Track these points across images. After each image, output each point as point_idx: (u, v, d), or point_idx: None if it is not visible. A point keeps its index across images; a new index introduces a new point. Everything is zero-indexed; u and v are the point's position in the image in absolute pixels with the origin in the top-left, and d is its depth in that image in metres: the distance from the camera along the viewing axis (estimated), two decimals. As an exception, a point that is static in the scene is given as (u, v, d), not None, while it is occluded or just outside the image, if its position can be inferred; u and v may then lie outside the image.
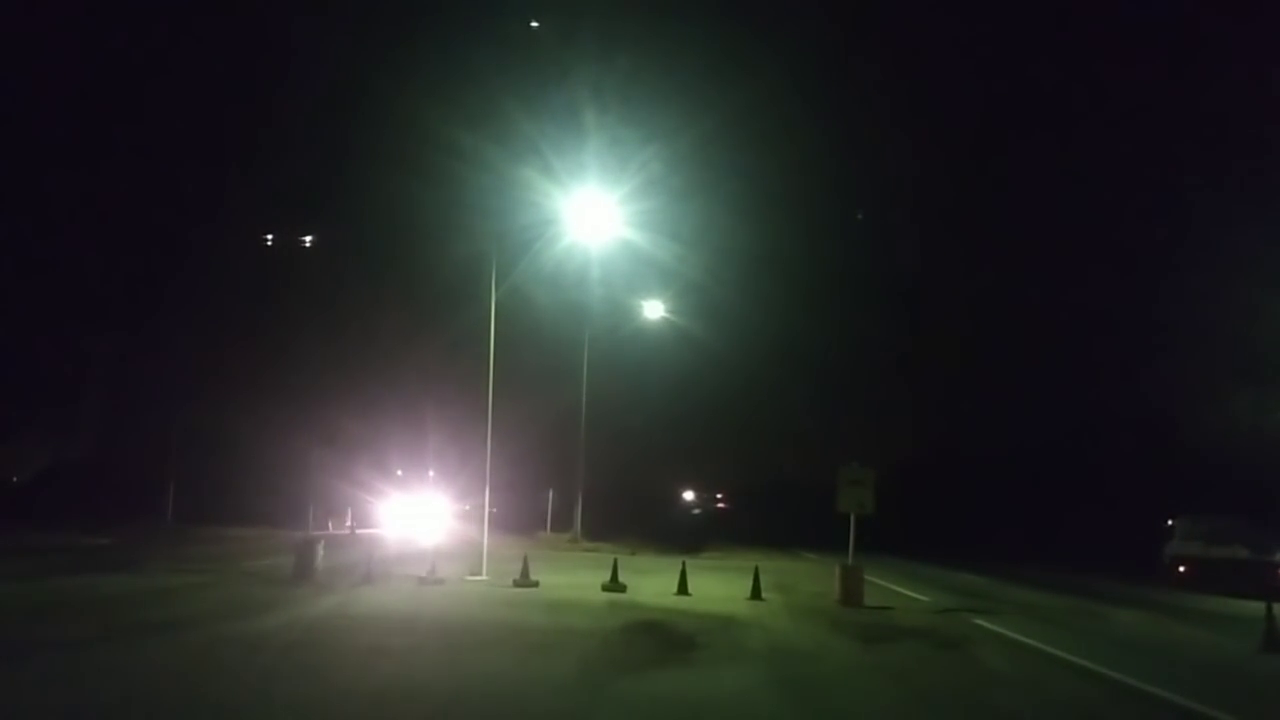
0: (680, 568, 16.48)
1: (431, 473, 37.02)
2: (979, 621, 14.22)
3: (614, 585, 15.79)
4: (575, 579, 17.26)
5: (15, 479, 35.29)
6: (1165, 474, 31.18)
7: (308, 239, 38.45)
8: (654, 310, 32.56)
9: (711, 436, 53.75)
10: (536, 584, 15.86)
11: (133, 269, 33.15)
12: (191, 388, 32.77)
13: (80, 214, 32.25)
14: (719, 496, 55.34)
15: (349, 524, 34.62)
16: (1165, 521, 25.87)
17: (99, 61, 33.34)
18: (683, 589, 15.56)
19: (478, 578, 16.51)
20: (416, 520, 33.04)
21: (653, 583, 16.89)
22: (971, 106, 49.83)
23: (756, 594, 15.65)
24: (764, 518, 45.02)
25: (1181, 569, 24.43)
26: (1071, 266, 43.14)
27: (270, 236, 37.64)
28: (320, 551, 16.14)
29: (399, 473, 37.64)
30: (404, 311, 37.45)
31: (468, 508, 46.33)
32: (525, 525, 33.13)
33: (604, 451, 35.50)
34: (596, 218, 19.39)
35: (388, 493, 34.70)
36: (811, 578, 20.25)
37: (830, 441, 44.15)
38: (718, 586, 17.07)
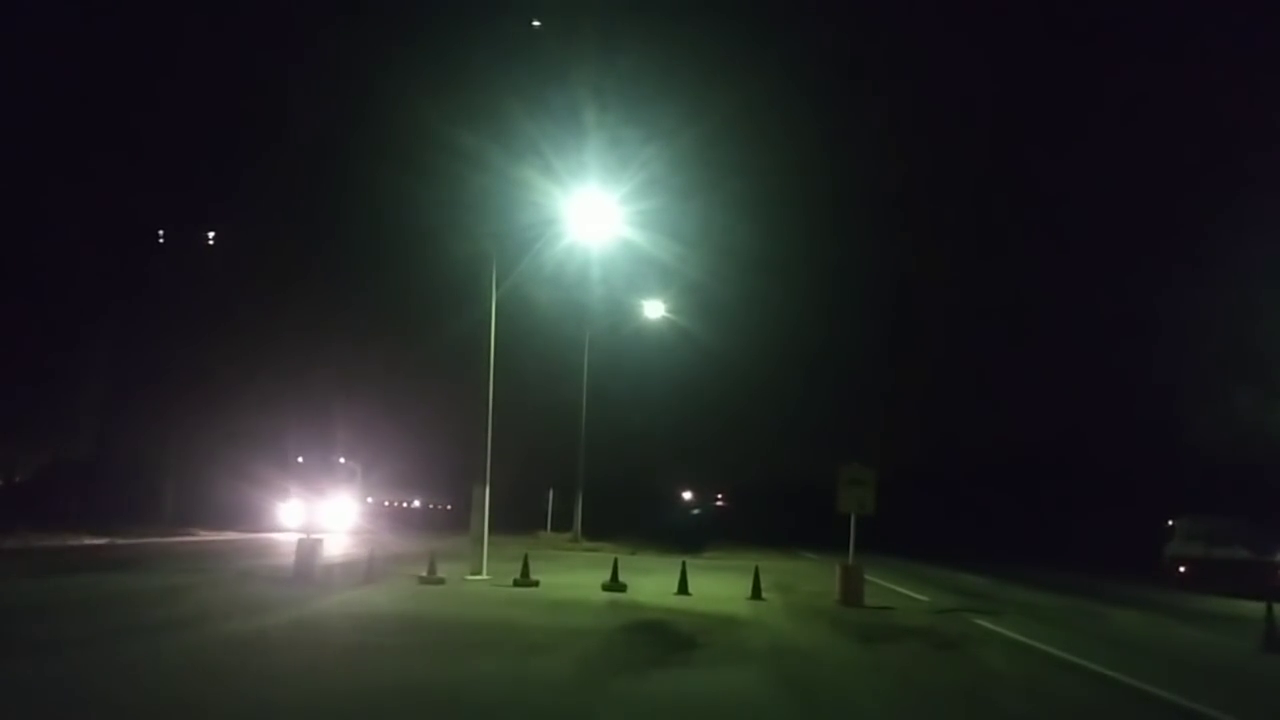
0: (680, 567, 16.48)
1: (342, 459, 32.80)
2: (979, 621, 14.22)
3: (614, 585, 15.79)
4: (575, 578, 17.27)
5: (16, 478, 35.25)
6: (1166, 474, 31.22)
7: (210, 235, 36.18)
8: (654, 310, 32.61)
9: (712, 436, 53.82)
10: (537, 583, 15.86)
11: (126, 267, 32.93)
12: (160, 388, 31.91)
13: (77, 209, 32.15)
14: (719, 496, 55.37)
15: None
16: (1166, 522, 25.89)
17: (95, 59, 33.24)
18: (683, 589, 15.56)
19: (478, 577, 16.51)
20: (320, 520, 29.05)
21: (653, 582, 16.89)
22: (972, 106, 49.84)
23: (757, 594, 15.65)
24: (764, 518, 45.08)
25: (1182, 569, 24.45)
26: (1073, 266, 43.19)
27: (161, 233, 34.86)
28: (321, 551, 16.17)
29: (299, 459, 32.58)
30: (401, 311, 37.31)
31: (415, 504, 43.38)
32: (525, 524, 33.04)
33: (604, 451, 35.52)
34: (597, 217, 19.40)
35: (287, 489, 30.48)
36: (811, 577, 20.24)
37: (830, 441, 44.19)
38: (718, 586, 17.07)
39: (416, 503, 44.70)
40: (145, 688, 7.41)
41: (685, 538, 32.06)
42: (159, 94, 34.49)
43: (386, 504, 39.18)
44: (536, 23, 23.75)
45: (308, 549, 15.84)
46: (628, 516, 37.18)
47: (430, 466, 42.01)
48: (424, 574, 15.81)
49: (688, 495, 51.49)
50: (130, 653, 8.81)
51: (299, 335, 34.15)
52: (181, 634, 9.94)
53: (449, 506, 45.27)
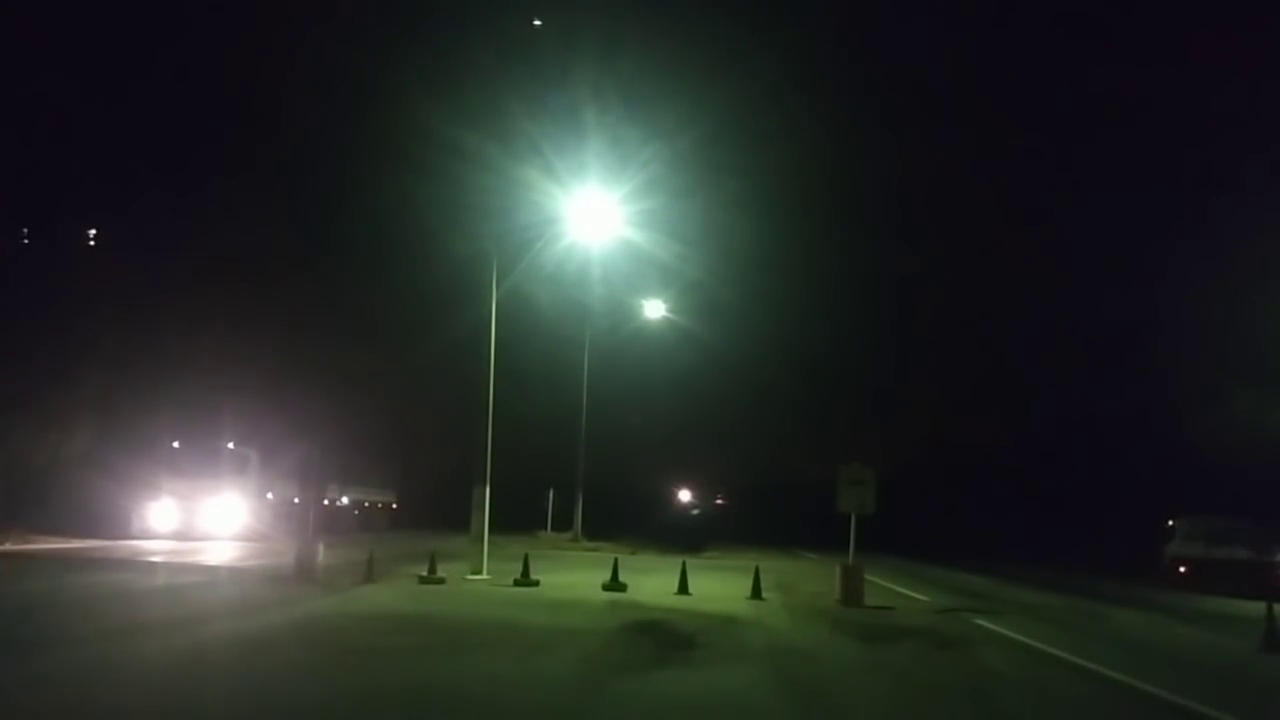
0: (680, 567, 16.49)
1: (230, 444, 27.35)
2: (979, 621, 14.23)
3: (614, 585, 15.79)
4: (576, 578, 17.28)
5: (14, 477, 35.12)
6: (1166, 474, 31.19)
7: (91, 233, 32.72)
8: (655, 310, 32.62)
9: (712, 436, 53.82)
10: (537, 583, 15.88)
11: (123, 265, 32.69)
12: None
13: (77, 206, 32.03)
14: (719, 496, 55.29)
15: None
16: (1166, 522, 25.88)
17: (92, 57, 33.20)
18: (683, 588, 15.57)
19: (478, 577, 16.53)
20: (200, 523, 25.52)
21: (653, 582, 16.90)
22: (973, 106, 49.80)
23: (757, 593, 15.66)
24: (764, 518, 45.04)
25: (1182, 569, 24.44)
26: (1072, 266, 43.17)
27: (26, 231, 31.46)
28: (321, 550, 16.18)
29: (174, 444, 27.40)
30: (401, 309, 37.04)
31: (343, 501, 37.22)
32: (525, 524, 32.96)
33: (604, 451, 35.49)
34: (597, 217, 19.41)
35: (158, 484, 25.86)
36: (811, 577, 20.25)
37: (830, 441, 44.18)
38: (718, 586, 17.08)
39: (344, 500, 35.02)
40: (148, 688, 7.41)
41: (685, 537, 32.04)
42: (155, 91, 34.48)
43: (297, 501, 30.38)
44: (537, 22, 23.69)
45: (309, 548, 15.88)
46: (628, 516, 37.16)
47: (373, 458, 38.40)
48: (424, 573, 15.83)
49: (688, 495, 51.39)
50: (127, 653, 8.80)
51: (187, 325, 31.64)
52: (182, 633, 9.94)
53: (393, 505, 41.58)
